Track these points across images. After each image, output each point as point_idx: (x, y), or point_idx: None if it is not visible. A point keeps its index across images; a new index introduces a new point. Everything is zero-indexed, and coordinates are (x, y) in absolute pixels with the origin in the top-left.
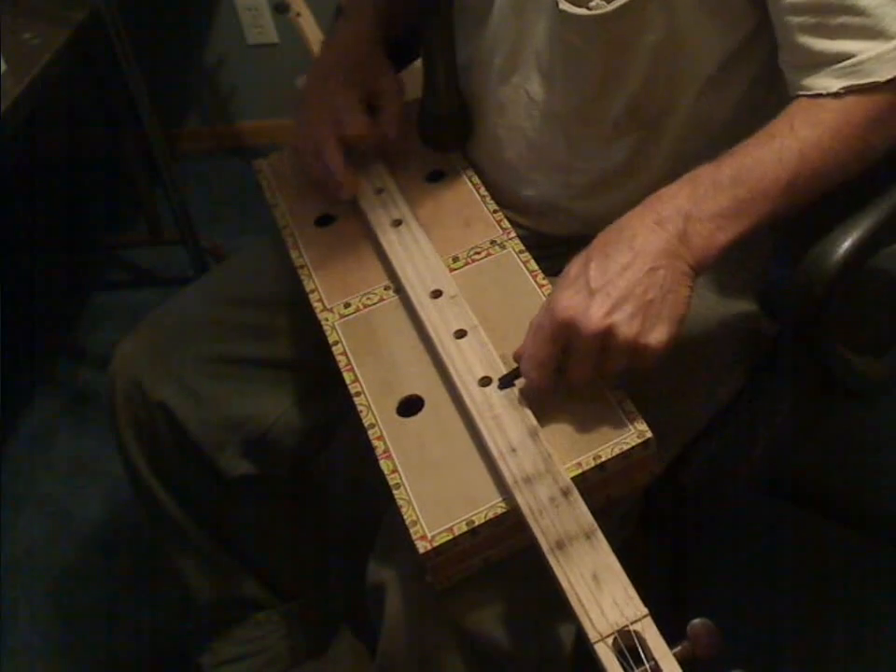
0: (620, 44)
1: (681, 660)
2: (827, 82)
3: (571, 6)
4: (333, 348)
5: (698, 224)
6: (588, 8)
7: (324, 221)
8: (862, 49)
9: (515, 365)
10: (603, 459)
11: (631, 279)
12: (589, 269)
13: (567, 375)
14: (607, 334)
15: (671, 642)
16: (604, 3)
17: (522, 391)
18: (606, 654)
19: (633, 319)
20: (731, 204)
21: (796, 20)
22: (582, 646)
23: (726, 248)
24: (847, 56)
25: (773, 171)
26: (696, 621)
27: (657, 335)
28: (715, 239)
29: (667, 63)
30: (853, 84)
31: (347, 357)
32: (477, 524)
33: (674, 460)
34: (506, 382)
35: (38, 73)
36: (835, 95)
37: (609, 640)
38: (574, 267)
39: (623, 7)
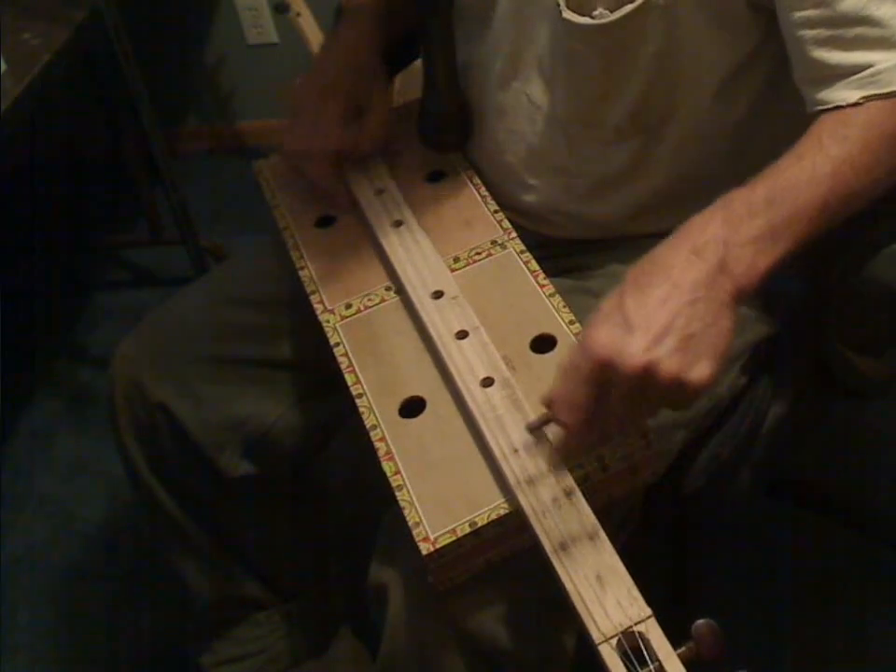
0: (622, 52)
1: (685, 661)
2: (845, 94)
3: (575, 14)
4: (335, 349)
5: (737, 250)
6: (591, 17)
7: (324, 222)
8: (880, 59)
9: (543, 411)
10: (605, 459)
11: (670, 312)
12: (625, 303)
13: (603, 418)
14: (648, 371)
15: (673, 642)
16: (607, 12)
17: (554, 438)
18: (610, 656)
19: (674, 354)
20: (767, 228)
21: (810, 33)
22: (584, 647)
23: (766, 274)
24: (865, 67)
25: (807, 191)
26: (700, 622)
27: (700, 371)
28: (755, 265)
29: (669, 72)
30: (873, 94)
31: (349, 359)
32: (480, 525)
33: (675, 460)
34: (535, 427)
35: (38, 73)
36: (858, 108)
37: (614, 641)
38: (607, 303)
39: (626, 16)
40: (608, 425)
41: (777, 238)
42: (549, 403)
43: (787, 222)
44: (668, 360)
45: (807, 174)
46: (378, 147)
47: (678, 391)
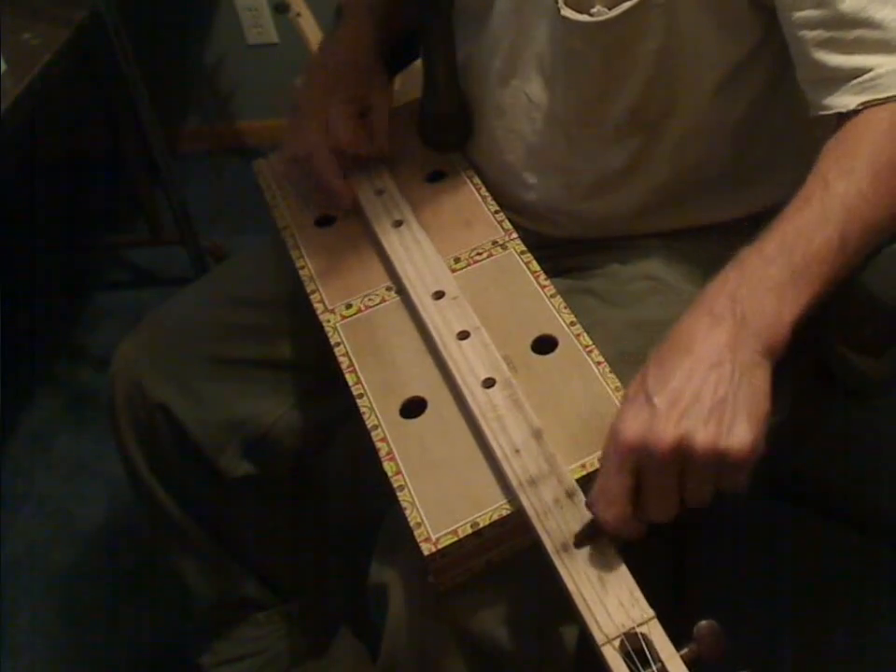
0: (621, 49)
1: (688, 662)
2: (845, 100)
3: (573, 12)
4: (335, 350)
5: (756, 303)
6: (590, 14)
7: (324, 222)
8: (880, 63)
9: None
10: None
11: (696, 382)
12: (647, 384)
13: (646, 509)
14: (681, 446)
15: (675, 643)
16: (605, 10)
17: (598, 530)
18: (613, 657)
19: (708, 422)
20: (784, 275)
21: (810, 34)
22: (584, 647)
23: (795, 324)
24: (865, 71)
25: (820, 233)
26: (703, 622)
27: (739, 435)
28: (780, 315)
29: (669, 69)
30: (872, 98)
31: (349, 359)
32: (482, 525)
33: None
34: (583, 539)
35: (38, 73)
36: (859, 124)
37: (616, 643)
38: (631, 388)
39: (624, 13)
40: (653, 512)
41: (797, 283)
42: (590, 506)
43: (805, 266)
44: (703, 430)
45: (817, 214)
46: (387, 146)
47: (720, 463)
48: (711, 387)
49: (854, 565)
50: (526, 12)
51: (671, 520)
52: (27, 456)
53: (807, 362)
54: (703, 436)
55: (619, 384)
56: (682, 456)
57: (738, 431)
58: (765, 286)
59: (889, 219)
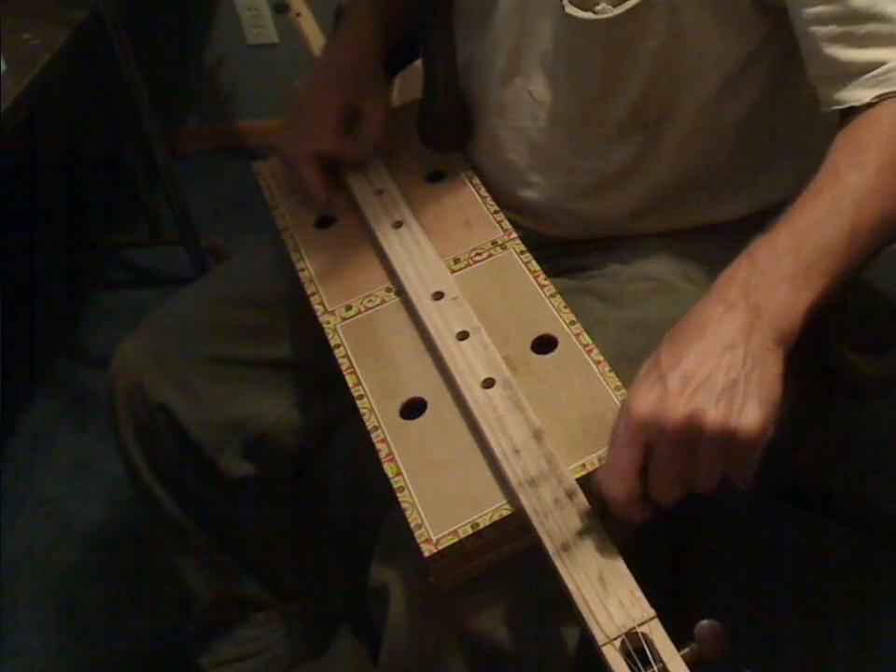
0: (624, 47)
1: (689, 661)
2: (859, 94)
3: (577, 9)
4: (335, 351)
5: (768, 292)
6: (594, 12)
7: (324, 223)
8: (892, 56)
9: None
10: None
11: (709, 364)
12: (660, 363)
13: (653, 489)
14: (692, 422)
15: (675, 643)
16: (610, 7)
17: (604, 513)
18: (614, 657)
19: (719, 401)
20: (797, 266)
21: (822, 30)
22: (585, 648)
23: (807, 315)
24: (878, 64)
25: (831, 225)
26: (704, 622)
27: (749, 416)
28: (793, 303)
29: (672, 68)
30: (885, 92)
31: (349, 360)
32: (482, 526)
33: None
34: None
35: (38, 73)
36: (872, 117)
37: (617, 643)
38: (644, 366)
39: (628, 11)
40: (660, 491)
41: (809, 277)
42: (598, 482)
43: (818, 259)
44: (713, 408)
45: (828, 207)
46: (371, 153)
47: (729, 443)
48: (724, 369)
49: (854, 565)
50: (530, 10)
51: (676, 503)
52: (27, 456)
53: (808, 362)
54: (713, 414)
55: (619, 383)
56: (692, 434)
57: (749, 412)
58: (778, 277)
59: None
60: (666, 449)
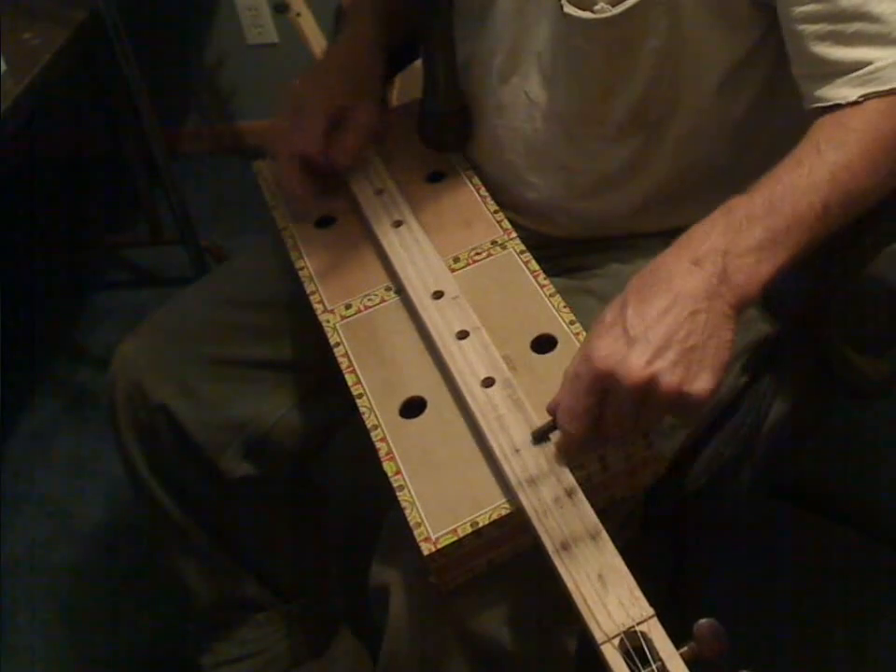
0: (623, 47)
1: (688, 660)
2: (845, 91)
3: (576, 9)
4: (335, 350)
5: (737, 260)
6: (592, 12)
7: (324, 223)
8: (880, 56)
9: (548, 417)
10: (606, 460)
11: (671, 324)
12: (626, 315)
13: (603, 427)
14: (648, 384)
15: (675, 642)
16: (608, 7)
17: (557, 444)
18: (612, 655)
19: (676, 367)
20: (767, 235)
21: (810, 28)
22: (586, 647)
23: (767, 283)
24: (865, 64)
25: (805, 197)
26: (703, 621)
27: (701, 384)
28: (756, 274)
29: (671, 68)
30: (873, 91)
31: (349, 359)
32: (481, 525)
33: (676, 460)
34: (541, 436)
35: (38, 73)
36: (856, 110)
37: (616, 641)
38: (609, 313)
39: (627, 11)
40: (610, 431)
41: (776, 246)
42: (552, 411)
43: (786, 229)
44: (670, 374)
45: (805, 180)
46: (348, 162)
47: (679, 403)
48: (684, 334)
49: (854, 565)
50: (529, 10)
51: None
52: (27, 456)
53: (808, 362)
54: (668, 379)
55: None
56: (647, 392)
57: (701, 379)
58: (747, 245)
59: (871, 193)
60: (621, 399)
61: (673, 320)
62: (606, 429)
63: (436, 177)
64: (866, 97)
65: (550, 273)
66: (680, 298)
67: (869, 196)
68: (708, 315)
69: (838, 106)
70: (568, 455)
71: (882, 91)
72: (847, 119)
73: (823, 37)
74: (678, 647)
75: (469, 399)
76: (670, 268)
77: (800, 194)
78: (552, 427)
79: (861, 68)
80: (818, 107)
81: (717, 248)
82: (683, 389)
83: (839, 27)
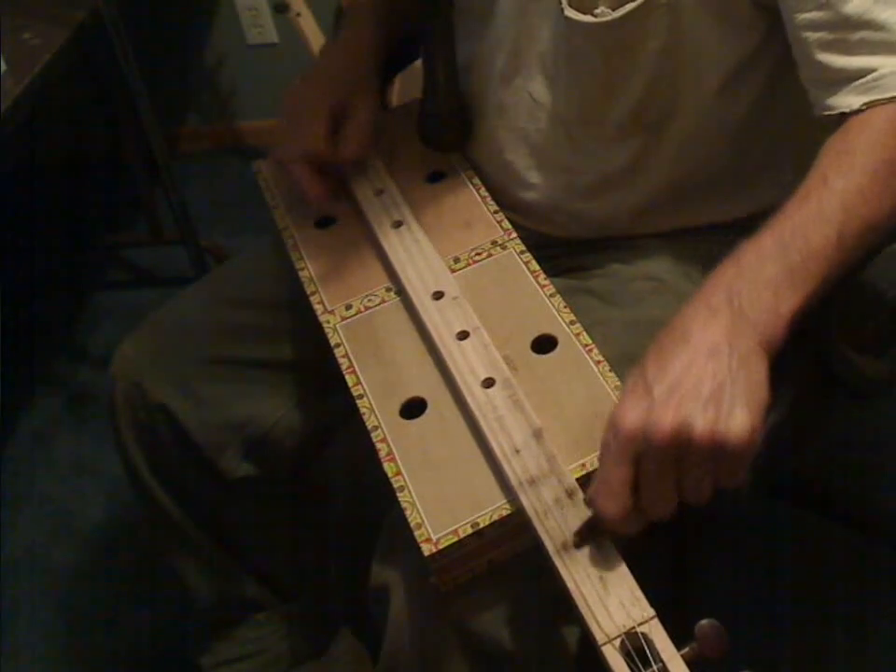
0: (624, 49)
1: (689, 661)
2: (849, 100)
3: (576, 13)
4: (335, 350)
5: (753, 295)
6: (593, 15)
7: (324, 223)
8: (883, 63)
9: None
10: None
11: (695, 371)
12: (646, 374)
13: (644, 503)
14: (680, 432)
15: (676, 643)
16: (609, 10)
17: (599, 528)
18: (613, 657)
19: (707, 408)
20: (782, 271)
21: (814, 36)
22: (586, 647)
23: (792, 319)
24: (869, 71)
25: (818, 230)
26: (704, 622)
27: (737, 421)
28: (777, 310)
29: (671, 70)
30: (875, 99)
31: (349, 360)
32: (482, 525)
33: None
34: (583, 538)
35: (38, 73)
36: (862, 121)
37: (617, 642)
38: (630, 379)
39: (627, 14)
40: (652, 503)
41: (794, 279)
42: (590, 501)
43: (803, 264)
44: (701, 415)
45: (815, 212)
46: (356, 155)
47: (718, 450)
48: (710, 375)
49: (854, 565)
50: (530, 12)
51: (669, 517)
52: (27, 456)
53: (808, 362)
54: (702, 421)
55: (619, 383)
56: (681, 443)
57: (736, 417)
58: (762, 282)
59: (887, 218)
60: (656, 460)
61: (696, 366)
62: (647, 503)
63: (436, 178)
64: (869, 105)
65: (550, 273)
66: (700, 347)
67: (886, 220)
68: (732, 354)
69: (844, 115)
70: (616, 544)
71: (885, 99)
72: (852, 138)
73: (828, 45)
74: (679, 647)
75: (469, 399)
76: (686, 322)
77: (811, 228)
78: (592, 523)
79: (866, 75)
80: (826, 115)
81: (730, 292)
82: (719, 429)
83: (843, 35)
